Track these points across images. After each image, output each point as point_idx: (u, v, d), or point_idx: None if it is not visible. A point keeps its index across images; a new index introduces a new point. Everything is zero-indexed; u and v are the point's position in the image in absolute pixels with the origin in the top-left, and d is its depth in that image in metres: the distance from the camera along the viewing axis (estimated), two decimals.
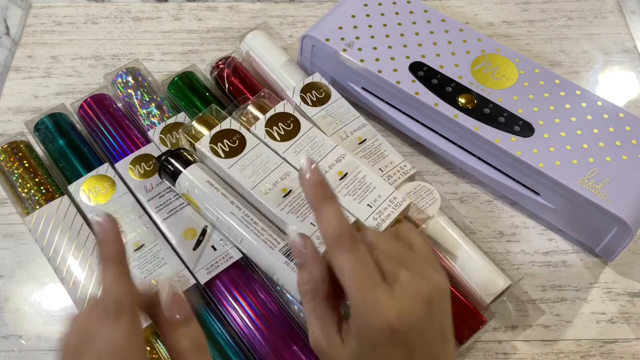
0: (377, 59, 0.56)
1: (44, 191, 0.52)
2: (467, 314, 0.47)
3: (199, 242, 0.49)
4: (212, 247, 0.49)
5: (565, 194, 0.50)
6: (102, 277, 0.32)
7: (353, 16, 0.59)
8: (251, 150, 0.50)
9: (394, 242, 0.36)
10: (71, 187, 0.52)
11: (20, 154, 0.54)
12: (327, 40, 0.57)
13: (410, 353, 0.32)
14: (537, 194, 0.53)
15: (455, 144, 0.56)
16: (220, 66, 0.61)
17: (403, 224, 0.39)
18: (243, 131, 0.51)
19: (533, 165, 0.50)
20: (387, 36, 0.58)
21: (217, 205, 0.48)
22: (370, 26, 0.59)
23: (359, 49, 0.57)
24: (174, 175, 0.49)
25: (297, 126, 0.52)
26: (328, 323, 0.34)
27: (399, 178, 0.52)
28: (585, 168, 0.50)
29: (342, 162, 0.50)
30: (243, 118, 0.54)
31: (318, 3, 0.72)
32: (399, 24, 0.59)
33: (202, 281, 0.47)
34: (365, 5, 0.60)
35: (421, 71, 0.56)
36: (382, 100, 0.59)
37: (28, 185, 0.52)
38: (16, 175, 0.53)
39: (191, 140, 0.51)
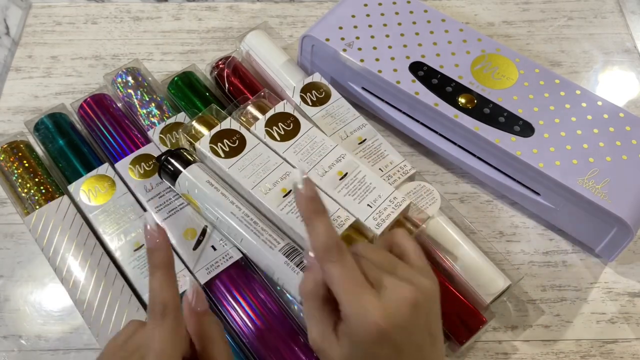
0: (377, 59, 0.56)
1: (43, 191, 0.52)
2: (467, 314, 0.47)
3: (199, 242, 0.49)
4: (212, 247, 0.49)
5: (565, 194, 0.50)
6: (150, 281, 0.35)
7: (353, 16, 0.59)
8: (251, 150, 0.50)
9: (381, 251, 0.38)
10: (71, 187, 0.52)
11: (20, 154, 0.54)
12: (327, 40, 0.57)
13: (399, 354, 0.34)
14: (537, 194, 0.53)
15: (455, 144, 0.56)
16: (220, 66, 0.61)
17: (397, 230, 0.41)
18: (243, 131, 0.51)
19: (533, 165, 0.50)
20: (387, 36, 0.58)
21: (217, 205, 0.48)
22: (370, 26, 0.59)
23: (359, 49, 0.57)
24: (174, 175, 0.49)
25: (297, 126, 0.52)
26: (325, 323, 0.36)
27: (399, 178, 0.52)
28: (585, 168, 0.50)
29: (342, 162, 0.50)
30: (243, 118, 0.54)
31: (318, 3, 0.72)
32: (399, 24, 0.59)
33: (202, 281, 0.47)
34: (365, 5, 0.60)
35: (421, 71, 0.56)
36: (382, 100, 0.59)
37: (28, 185, 0.52)
38: (16, 175, 0.53)
39: (191, 140, 0.51)
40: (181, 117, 0.56)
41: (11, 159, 0.54)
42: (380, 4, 0.60)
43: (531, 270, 0.53)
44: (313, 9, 0.72)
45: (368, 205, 0.48)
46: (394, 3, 0.61)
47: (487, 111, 0.53)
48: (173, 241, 0.49)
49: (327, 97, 0.56)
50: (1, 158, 0.54)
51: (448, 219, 0.51)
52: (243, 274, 0.48)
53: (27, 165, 0.54)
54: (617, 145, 0.51)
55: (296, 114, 0.53)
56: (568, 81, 0.56)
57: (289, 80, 0.59)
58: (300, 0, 0.72)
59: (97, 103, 0.58)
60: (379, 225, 0.47)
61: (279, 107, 0.53)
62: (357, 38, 0.58)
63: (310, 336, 0.36)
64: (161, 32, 0.69)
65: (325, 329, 0.35)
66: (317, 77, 0.57)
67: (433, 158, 0.60)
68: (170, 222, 0.50)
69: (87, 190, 0.51)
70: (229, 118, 0.52)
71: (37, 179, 0.53)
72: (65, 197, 0.51)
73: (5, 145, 0.55)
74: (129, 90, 0.58)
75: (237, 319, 0.46)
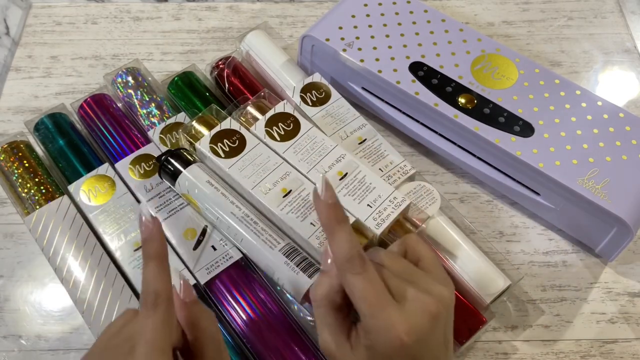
0: (377, 59, 0.56)
1: (43, 191, 0.52)
2: (467, 314, 0.47)
3: (199, 242, 0.49)
4: (212, 247, 0.49)
5: (565, 194, 0.50)
6: (144, 271, 0.35)
7: (353, 16, 0.59)
8: (251, 150, 0.50)
9: (400, 260, 0.38)
10: (71, 187, 0.52)
11: (20, 154, 0.54)
12: (327, 40, 0.57)
13: None
14: (537, 194, 0.53)
15: (455, 144, 0.56)
16: (220, 66, 0.61)
17: (411, 236, 0.41)
18: (243, 131, 0.51)
19: (533, 165, 0.50)
20: (387, 36, 0.58)
21: (217, 205, 0.48)
22: (370, 26, 0.59)
23: (359, 49, 0.57)
24: (174, 175, 0.49)
25: (297, 126, 0.52)
26: (339, 330, 0.36)
27: (399, 178, 0.52)
28: (585, 168, 0.50)
29: (342, 162, 0.50)
30: (243, 118, 0.54)
31: (318, 3, 0.72)
32: (399, 24, 0.59)
33: (202, 281, 0.47)
34: (365, 5, 0.60)
35: (421, 71, 0.56)
36: (382, 100, 0.59)
37: (28, 185, 0.52)
38: (16, 175, 0.53)
39: (191, 140, 0.51)
40: (181, 117, 0.56)
41: (11, 159, 0.54)
42: (380, 4, 0.60)
43: (531, 270, 0.53)
44: (313, 9, 0.72)
45: (368, 205, 0.48)
46: (394, 3, 0.61)
47: (487, 111, 0.53)
48: (173, 241, 0.49)
49: (327, 97, 0.56)
50: (1, 158, 0.54)
51: (448, 219, 0.51)
52: (243, 274, 0.48)
53: (27, 165, 0.54)
54: (617, 145, 0.51)
55: (296, 114, 0.53)
56: (568, 81, 0.56)
57: (289, 80, 0.59)
58: (300, 0, 0.72)
59: (97, 103, 0.58)
60: (379, 225, 0.47)
61: (279, 107, 0.53)
62: (357, 38, 0.58)
63: (322, 342, 0.36)
64: (161, 32, 0.69)
65: (339, 336, 0.36)
66: (317, 77, 0.57)
67: (433, 158, 0.60)
68: (170, 222, 0.50)
69: (87, 190, 0.51)
70: (229, 118, 0.52)
71: (37, 179, 0.53)
72: (66, 197, 0.51)
73: (6, 145, 0.55)
74: (129, 90, 0.58)
75: (237, 319, 0.46)
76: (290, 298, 0.48)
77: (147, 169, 0.53)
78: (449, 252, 0.49)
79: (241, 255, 0.48)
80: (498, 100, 0.54)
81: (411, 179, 0.52)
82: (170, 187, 0.51)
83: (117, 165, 0.53)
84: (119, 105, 0.59)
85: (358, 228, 0.48)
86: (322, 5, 0.72)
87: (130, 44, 0.68)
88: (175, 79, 0.60)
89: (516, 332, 0.50)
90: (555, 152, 0.51)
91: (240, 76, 0.60)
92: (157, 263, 0.35)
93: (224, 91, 0.60)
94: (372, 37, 0.58)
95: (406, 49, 0.57)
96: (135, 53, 0.67)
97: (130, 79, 0.59)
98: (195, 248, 0.49)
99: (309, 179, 0.49)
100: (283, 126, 0.52)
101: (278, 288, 0.48)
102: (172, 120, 0.56)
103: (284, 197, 0.48)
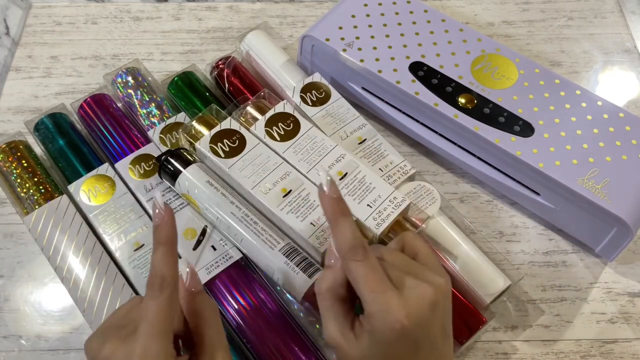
0: (377, 59, 0.56)
1: (42, 191, 0.52)
2: (467, 314, 0.47)
3: (199, 242, 0.49)
4: (212, 247, 0.49)
5: (565, 194, 0.50)
6: (153, 256, 0.36)
7: (353, 16, 0.59)
8: (251, 150, 0.50)
9: (397, 253, 0.40)
10: (71, 187, 0.52)
11: (18, 154, 0.54)
12: (327, 40, 0.57)
13: (417, 348, 0.36)
14: (537, 194, 0.53)
15: (455, 144, 0.56)
16: (220, 66, 0.61)
17: (408, 233, 0.43)
18: (243, 131, 0.51)
19: (533, 165, 0.50)
20: (387, 36, 0.58)
21: (217, 205, 0.48)
22: (370, 26, 0.59)
23: (359, 49, 0.57)
24: (174, 175, 0.49)
25: (297, 126, 0.52)
26: (343, 322, 0.37)
27: (399, 178, 0.52)
28: (585, 168, 0.50)
29: (342, 162, 0.50)
30: (243, 118, 0.54)
31: (318, 3, 0.72)
32: (399, 24, 0.59)
33: (202, 281, 0.47)
34: (365, 5, 0.60)
35: (421, 71, 0.56)
36: (382, 100, 0.59)
37: (27, 185, 0.52)
38: (15, 175, 0.53)
39: (191, 140, 0.51)
40: (181, 117, 0.56)
41: (10, 159, 0.54)
42: (380, 4, 0.60)
43: (531, 270, 0.53)
44: (313, 9, 0.72)
45: (368, 205, 0.48)
46: (394, 3, 0.61)
47: (487, 111, 0.53)
48: None
49: (327, 97, 0.56)
50: (0, 158, 0.54)
51: (448, 219, 0.51)
52: (243, 274, 0.48)
53: (25, 165, 0.54)
54: (617, 145, 0.51)
55: (296, 114, 0.53)
56: (568, 81, 0.56)
57: (289, 80, 0.59)
58: (300, 0, 0.72)
59: (97, 103, 0.58)
60: (378, 225, 0.47)
61: (279, 107, 0.53)
62: (357, 38, 0.58)
63: (327, 333, 0.37)
64: (161, 32, 0.69)
65: (344, 326, 0.37)
66: (317, 77, 0.57)
67: (433, 158, 0.60)
68: None
69: (87, 190, 0.51)
70: (229, 118, 0.52)
71: (35, 179, 0.53)
72: (65, 196, 0.51)
73: (4, 146, 0.55)
74: (129, 90, 0.58)
75: (237, 318, 0.46)
76: (290, 298, 0.48)
77: (147, 169, 0.53)
78: (449, 252, 0.49)
79: (241, 255, 0.48)
80: (498, 100, 0.54)
81: (411, 179, 0.52)
82: (170, 187, 0.51)
83: (117, 165, 0.53)
84: (119, 105, 0.59)
85: (358, 228, 0.48)
86: (322, 5, 0.72)
87: (130, 44, 0.68)
88: (175, 79, 0.60)
89: (516, 332, 0.50)
90: (555, 152, 0.51)
91: (240, 76, 0.60)
92: (166, 249, 0.36)
93: (224, 91, 0.60)
94: (372, 37, 0.58)
95: (406, 49, 0.57)
96: (135, 53, 0.67)
97: (130, 79, 0.59)
98: (195, 248, 0.49)
99: (309, 179, 0.49)
100: (283, 126, 0.52)
101: (278, 288, 0.48)
102: (172, 120, 0.56)
103: (284, 197, 0.48)
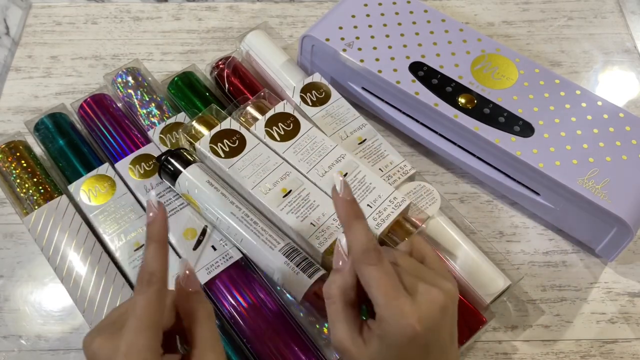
0: (377, 59, 0.56)
1: (42, 191, 0.52)
2: (467, 314, 0.47)
3: (199, 242, 0.49)
4: (212, 247, 0.49)
5: (565, 194, 0.50)
6: (144, 252, 0.36)
7: (353, 16, 0.59)
8: (251, 150, 0.50)
9: (407, 257, 0.40)
10: (71, 187, 0.52)
11: (18, 154, 0.54)
12: (327, 40, 0.57)
13: (427, 352, 0.36)
14: (537, 194, 0.53)
15: (455, 144, 0.56)
16: (220, 66, 0.61)
17: (416, 237, 0.43)
18: (243, 131, 0.51)
19: (533, 165, 0.50)
20: (387, 36, 0.58)
21: (217, 205, 0.48)
22: (370, 26, 0.59)
23: (359, 49, 0.57)
24: (174, 175, 0.49)
25: (297, 126, 0.52)
26: (352, 326, 0.37)
27: (399, 178, 0.52)
28: (585, 168, 0.50)
29: (342, 162, 0.50)
30: (243, 118, 0.54)
31: (318, 3, 0.72)
32: (399, 24, 0.59)
33: (202, 281, 0.47)
34: (365, 5, 0.60)
35: (421, 71, 0.56)
36: (382, 100, 0.59)
37: (26, 185, 0.52)
38: (14, 175, 0.53)
39: (191, 140, 0.51)
40: (181, 117, 0.56)
41: (9, 159, 0.54)
42: (380, 4, 0.60)
43: (531, 270, 0.53)
44: (313, 9, 0.72)
45: (368, 205, 0.48)
46: (394, 3, 0.61)
47: (487, 111, 0.53)
48: (173, 241, 0.49)
49: (327, 97, 0.56)
50: None
51: (448, 219, 0.51)
52: (243, 274, 0.48)
53: (25, 165, 0.53)
54: (617, 145, 0.51)
55: (296, 114, 0.53)
56: (568, 81, 0.56)
57: (289, 80, 0.59)
58: (300, 0, 0.72)
59: (97, 103, 0.58)
60: (379, 225, 0.47)
61: (279, 107, 0.53)
62: (357, 38, 0.58)
63: (336, 337, 0.37)
64: (161, 32, 0.69)
65: (353, 331, 0.37)
66: (317, 77, 0.57)
67: (433, 158, 0.60)
68: (170, 222, 0.50)
69: (87, 190, 0.51)
70: (229, 118, 0.52)
71: (35, 179, 0.53)
72: (64, 196, 0.51)
73: (3, 146, 0.55)
74: (129, 90, 0.58)
75: (237, 318, 0.46)
76: (290, 298, 0.48)
77: (147, 169, 0.53)
78: (449, 252, 0.49)
79: (241, 255, 0.48)
80: (498, 100, 0.54)
81: (411, 179, 0.52)
82: (170, 187, 0.51)
83: (117, 165, 0.53)
84: (119, 105, 0.59)
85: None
86: (322, 5, 0.72)
87: (130, 44, 0.68)
88: (175, 79, 0.60)
89: (516, 332, 0.50)
90: (555, 152, 0.51)
91: (240, 76, 0.60)
92: (158, 246, 0.36)
93: (224, 91, 0.60)
94: (372, 37, 0.58)
95: (406, 49, 0.57)
96: (135, 53, 0.67)
97: (130, 79, 0.59)
98: (195, 248, 0.49)
99: (309, 179, 0.49)
100: (283, 126, 0.52)
101: (278, 288, 0.48)
102: (172, 120, 0.56)
103: (284, 197, 0.48)
